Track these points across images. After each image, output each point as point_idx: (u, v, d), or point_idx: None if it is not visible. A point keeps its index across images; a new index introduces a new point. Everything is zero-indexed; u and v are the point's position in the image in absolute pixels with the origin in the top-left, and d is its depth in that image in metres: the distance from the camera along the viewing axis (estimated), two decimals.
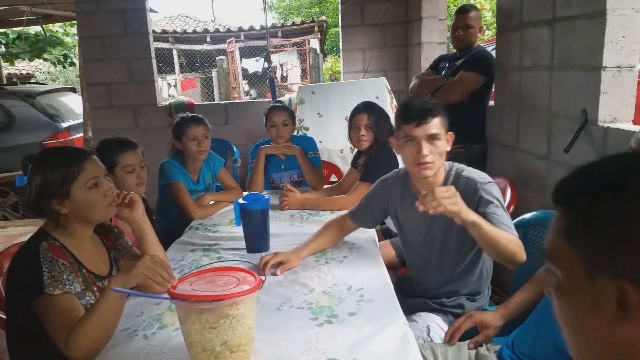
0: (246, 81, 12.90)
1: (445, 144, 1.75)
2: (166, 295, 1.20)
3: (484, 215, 1.59)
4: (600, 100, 2.09)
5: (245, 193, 2.70)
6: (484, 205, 1.65)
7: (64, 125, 6.23)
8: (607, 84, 2.07)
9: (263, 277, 1.25)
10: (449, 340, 1.62)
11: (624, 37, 2.02)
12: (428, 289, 1.93)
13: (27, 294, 1.38)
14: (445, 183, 1.78)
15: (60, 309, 1.35)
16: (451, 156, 1.92)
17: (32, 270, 1.39)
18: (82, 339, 1.26)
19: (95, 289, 1.54)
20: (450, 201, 1.47)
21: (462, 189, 1.65)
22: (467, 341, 1.59)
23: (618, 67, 2.05)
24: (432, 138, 1.71)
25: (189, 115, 2.90)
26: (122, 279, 1.31)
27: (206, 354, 1.18)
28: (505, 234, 1.56)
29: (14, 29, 9.05)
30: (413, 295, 1.95)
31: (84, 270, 1.54)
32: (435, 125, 1.71)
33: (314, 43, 12.60)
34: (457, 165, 1.84)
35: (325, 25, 12.90)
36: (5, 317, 1.62)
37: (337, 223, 2.12)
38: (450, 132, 1.79)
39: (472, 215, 1.50)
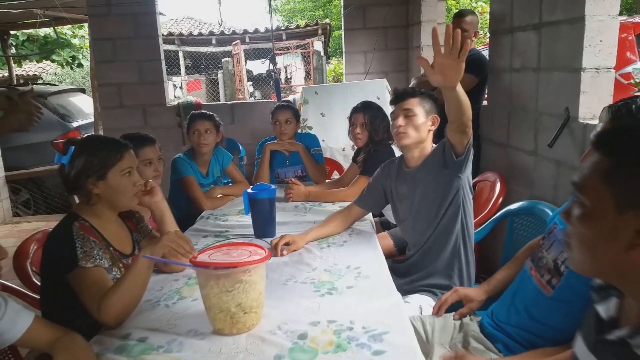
0: (251, 83, 13.10)
1: (423, 121, 2.08)
2: (189, 264, 1.38)
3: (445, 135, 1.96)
4: (580, 99, 2.27)
5: None
6: (442, 141, 2.00)
7: (75, 124, 6.41)
8: (587, 84, 2.25)
9: (272, 251, 1.44)
10: (436, 312, 1.81)
11: (601, 41, 2.20)
12: (418, 255, 2.16)
13: (63, 267, 1.55)
14: (427, 158, 2.11)
15: (92, 280, 1.53)
16: None
17: (66, 246, 1.56)
18: (114, 303, 1.44)
19: (120, 265, 1.73)
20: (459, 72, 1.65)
21: (433, 152, 2.09)
22: (453, 313, 1.77)
23: (596, 68, 2.23)
24: (407, 113, 2.08)
25: (200, 112, 3.10)
26: (150, 249, 1.49)
27: (223, 314, 1.36)
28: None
29: (24, 31, 9.27)
30: (405, 274, 2.15)
31: (111, 248, 1.72)
32: (411, 103, 2.08)
33: (318, 45, 12.79)
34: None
35: (329, 28, 13.09)
36: (39, 297, 1.80)
37: (342, 212, 2.33)
38: (435, 115, 2.11)
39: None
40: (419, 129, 2.08)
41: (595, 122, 2.21)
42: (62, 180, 1.72)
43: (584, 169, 0.85)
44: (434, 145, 2.14)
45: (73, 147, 1.71)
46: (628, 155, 0.79)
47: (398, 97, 2.14)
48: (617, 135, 0.83)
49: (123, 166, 1.71)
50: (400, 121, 2.08)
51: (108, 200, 1.72)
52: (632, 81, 3.46)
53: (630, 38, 4.33)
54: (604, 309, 0.92)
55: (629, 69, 4.11)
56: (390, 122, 2.19)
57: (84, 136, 1.84)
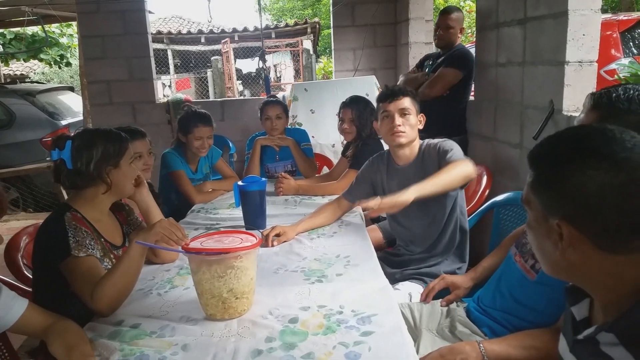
0: (240, 81, 13.10)
1: (416, 120, 2.11)
2: (181, 250, 1.41)
3: (444, 159, 1.96)
4: (564, 92, 2.32)
5: None
6: (442, 154, 2.00)
7: (63, 122, 6.39)
8: (570, 77, 2.30)
9: (262, 237, 1.46)
10: (424, 299, 1.85)
11: (584, 35, 2.25)
12: (412, 251, 2.19)
13: (55, 257, 1.56)
14: (418, 155, 2.13)
15: (85, 269, 1.55)
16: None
17: (59, 235, 1.58)
18: (108, 289, 1.46)
19: (112, 256, 1.74)
20: (391, 207, 1.78)
21: (428, 153, 2.10)
22: (440, 299, 1.81)
23: (580, 61, 2.28)
24: (403, 112, 2.09)
25: (198, 112, 3.07)
26: (142, 236, 1.51)
27: (215, 300, 1.39)
28: (449, 172, 1.87)
29: (12, 29, 9.19)
30: (397, 266, 2.18)
31: (102, 239, 1.73)
32: (406, 102, 2.09)
33: (307, 44, 12.81)
34: (428, 140, 2.16)
35: (318, 26, 13.11)
36: (31, 289, 1.81)
37: (331, 204, 2.36)
38: (422, 114, 2.15)
39: (411, 195, 1.78)
40: (413, 128, 2.12)
41: (579, 113, 2.26)
42: (69, 174, 1.69)
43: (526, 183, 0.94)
44: (421, 142, 2.17)
45: (71, 142, 1.68)
46: (543, 169, 0.88)
47: (392, 95, 2.12)
48: (536, 151, 0.91)
49: (131, 153, 1.77)
50: (399, 120, 2.08)
51: (116, 188, 1.74)
52: (616, 77, 3.52)
53: (614, 35, 4.40)
54: (577, 310, 0.97)
55: (613, 65, 4.18)
56: (379, 122, 2.19)
57: (83, 129, 1.85)
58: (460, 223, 2.13)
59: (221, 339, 1.31)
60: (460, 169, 1.88)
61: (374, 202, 1.78)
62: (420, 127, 2.16)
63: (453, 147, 2.00)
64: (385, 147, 2.87)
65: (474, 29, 3.72)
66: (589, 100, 1.42)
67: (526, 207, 0.94)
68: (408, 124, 2.09)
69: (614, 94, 1.35)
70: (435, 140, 2.11)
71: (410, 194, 1.78)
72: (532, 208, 0.91)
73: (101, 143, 1.69)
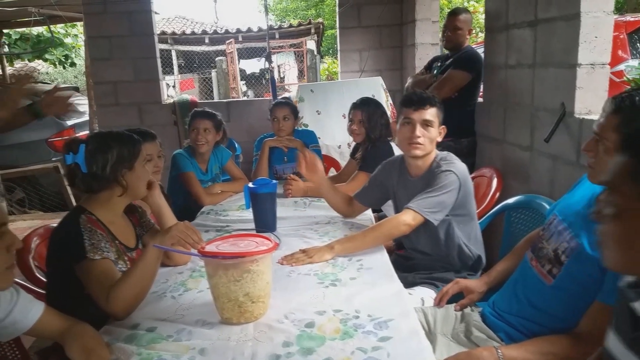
0: (244, 82, 13.11)
1: (437, 133, 2.05)
2: (198, 254, 1.41)
3: (414, 198, 1.96)
4: (576, 95, 2.30)
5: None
6: (429, 187, 1.96)
7: (69, 123, 6.39)
8: (582, 80, 2.29)
9: (278, 241, 1.46)
10: (437, 303, 1.84)
11: (596, 37, 2.24)
12: (421, 259, 2.17)
13: (70, 259, 1.56)
14: (430, 168, 2.06)
15: (100, 271, 1.55)
16: (441, 148, 2.18)
17: (74, 238, 1.58)
18: (124, 292, 1.46)
19: (126, 258, 1.74)
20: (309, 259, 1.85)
21: (435, 172, 2.01)
22: (454, 304, 1.80)
23: (592, 64, 2.27)
24: (426, 123, 2.02)
25: (202, 110, 3.12)
26: (159, 239, 1.51)
27: (231, 304, 1.39)
28: (378, 233, 1.97)
29: (17, 29, 9.21)
30: (408, 270, 2.17)
31: (117, 242, 1.73)
32: (431, 113, 2.02)
33: (311, 44, 12.82)
34: (444, 154, 2.10)
35: (321, 27, 13.12)
36: (44, 291, 1.81)
37: (349, 197, 2.40)
38: (443, 126, 2.08)
39: (328, 257, 1.87)
40: (432, 141, 2.05)
41: (591, 117, 2.25)
42: (85, 178, 1.68)
43: (613, 169, 0.87)
44: (435, 155, 2.10)
45: (85, 146, 1.68)
46: None
47: (419, 103, 2.03)
48: None
49: (144, 155, 1.78)
50: (419, 131, 2.00)
51: (131, 191, 1.74)
52: (624, 78, 3.51)
53: (622, 36, 4.39)
54: None
55: (621, 66, 4.17)
56: (397, 125, 2.12)
57: (95, 132, 1.85)
58: (467, 247, 2.07)
59: (238, 343, 1.31)
60: (395, 228, 1.94)
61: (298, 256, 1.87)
62: (440, 139, 2.09)
63: (436, 189, 1.94)
64: (395, 149, 2.87)
65: (478, 30, 3.71)
66: (610, 103, 1.41)
67: (612, 195, 0.86)
68: (428, 137, 2.02)
69: (637, 97, 1.34)
70: (444, 165, 2.01)
71: (328, 255, 1.86)
72: (626, 197, 0.83)
73: (116, 146, 1.68)
